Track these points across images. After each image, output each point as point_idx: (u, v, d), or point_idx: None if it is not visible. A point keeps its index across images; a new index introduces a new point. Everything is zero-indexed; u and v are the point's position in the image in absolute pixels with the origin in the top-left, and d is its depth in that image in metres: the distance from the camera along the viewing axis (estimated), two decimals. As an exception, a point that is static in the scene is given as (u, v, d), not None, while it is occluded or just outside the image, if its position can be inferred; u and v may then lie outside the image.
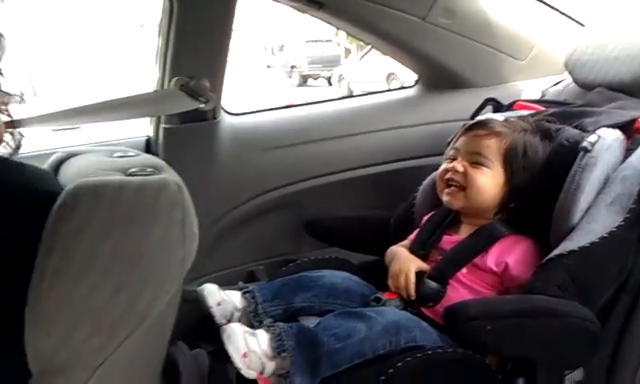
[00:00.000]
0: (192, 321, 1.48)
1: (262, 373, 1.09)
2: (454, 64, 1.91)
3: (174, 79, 1.49)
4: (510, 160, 1.31)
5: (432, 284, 1.28)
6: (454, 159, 1.37)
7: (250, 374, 1.08)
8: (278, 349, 1.09)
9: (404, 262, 1.33)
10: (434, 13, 1.77)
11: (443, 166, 1.39)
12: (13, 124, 0.86)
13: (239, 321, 1.27)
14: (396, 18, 1.75)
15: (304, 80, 14.56)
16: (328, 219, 1.70)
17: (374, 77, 11.15)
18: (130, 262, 0.76)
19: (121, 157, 0.98)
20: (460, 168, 1.33)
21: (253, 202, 1.80)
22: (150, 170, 0.87)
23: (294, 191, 1.84)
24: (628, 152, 1.28)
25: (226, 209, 1.75)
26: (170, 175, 0.86)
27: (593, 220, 1.20)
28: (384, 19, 1.75)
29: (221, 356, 1.26)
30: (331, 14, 1.78)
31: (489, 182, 1.31)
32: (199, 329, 1.39)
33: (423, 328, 1.17)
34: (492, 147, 1.32)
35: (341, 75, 12.86)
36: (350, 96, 2.14)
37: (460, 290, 1.26)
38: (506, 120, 1.40)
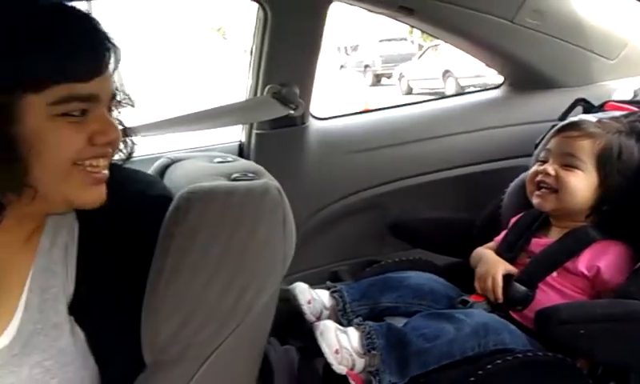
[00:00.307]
0: (282, 318, 1.54)
1: (352, 369, 1.12)
2: (542, 64, 1.88)
3: (267, 87, 1.56)
4: (603, 162, 1.29)
5: (520, 287, 1.27)
6: (545, 161, 1.36)
7: (340, 369, 1.11)
8: (368, 346, 1.12)
9: (492, 264, 1.33)
10: (522, 14, 1.75)
11: (534, 168, 1.38)
12: (125, 132, 0.92)
13: (328, 319, 1.30)
14: (484, 21, 1.75)
15: (377, 79, 14.50)
16: (413, 221, 1.73)
17: (431, 74, 11.47)
18: (238, 259, 0.82)
19: (221, 162, 1.05)
20: (552, 171, 1.31)
21: (338, 204, 1.84)
22: (251, 174, 0.93)
23: (379, 193, 1.87)
24: None
25: (312, 211, 1.80)
26: (270, 179, 0.92)
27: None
28: (472, 22, 1.76)
29: (309, 352, 1.31)
30: (421, 19, 1.81)
31: (581, 184, 1.29)
32: (288, 326, 1.44)
33: (512, 330, 1.17)
34: (585, 149, 1.30)
35: (401, 73, 12.86)
36: (435, 98, 2.14)
37: (550, 294, 1.25)
38: (599, 121, 1.36)
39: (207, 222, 0.82)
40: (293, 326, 1.40)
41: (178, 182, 0.95)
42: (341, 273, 1.80)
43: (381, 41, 15.17)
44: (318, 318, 1.31)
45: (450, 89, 10.87)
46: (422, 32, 1.95)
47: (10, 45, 0.71)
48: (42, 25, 0.73)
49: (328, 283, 1.43)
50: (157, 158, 1.15)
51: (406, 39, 15.21)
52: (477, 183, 1.90)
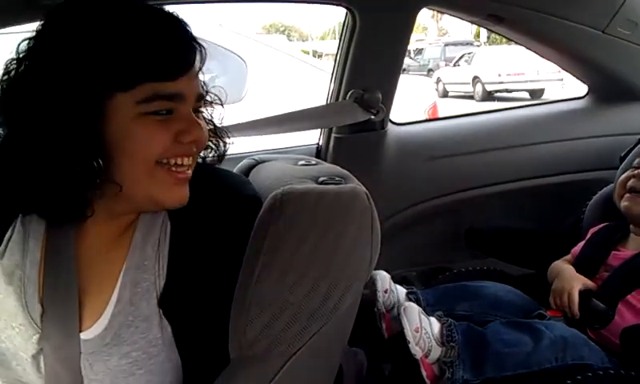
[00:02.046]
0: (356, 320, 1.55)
1: (427, 356, 1.14)
2: (631, 76, 1.83)
3: (350, 92, 1.58)
4: None
5: (599, 304, 1.24)
6: (639, 167, 1.34)
7: (416, 350, 1.13)
8: (447, 337, 1.14)
9: (568, 280, 1.31)
10: (614, 24, 1.71)
11: (627, 173, 1.36)
12: (216, 132, 0.96)
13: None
14: (575, 30, 1.73)
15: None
16: (489, 230, 1.73)
17: (463, 79, 12.82)
18: (326, 260, 0.85)
19: (305, 165, 1.08)
20: None
21: (411, 210, 1.84)
22: (338, 178, 0.96)
23: (453, 200, 1.86)
24: None
25: (386, 215, 1.80)
26: (357, 184, 0.94)
27: None
28: (562, 31, 1.73)
29: (377, 356, 1.32)
30: (510, 28, 1.80)
31: None
32: (358, 328, 1.47)
33: (592, 347, 1.16)
34: None
35: (438, 78, 13.66)
36: (516, 107, 2.10)
37: (629, 313, 1.21)
38: None
39: (299, 224, 0.84)
40: (363, 328, 1.43)
41: (263, 183, 0.98)
42: (410, 278, 1.80)
43: (446, 44, 15.94)
44: (388, 312, 1.33)
45: (479, 93, 12.26)
46: (507, 39, 1.90)
47: (101, 44, 0.74)
48: (130, 25, 0.76)
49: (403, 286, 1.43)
50: (239, 158, 1.19)
51: (472, 43, 15.51)
52: (556, 195, 1.86)
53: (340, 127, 1.72)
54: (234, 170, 1.13)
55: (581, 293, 1.27)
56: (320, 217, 0.86)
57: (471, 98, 12.42)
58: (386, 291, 1.33)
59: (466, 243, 1.72)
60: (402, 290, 1.37)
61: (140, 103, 0.76)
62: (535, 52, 1.89)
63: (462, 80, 12.94)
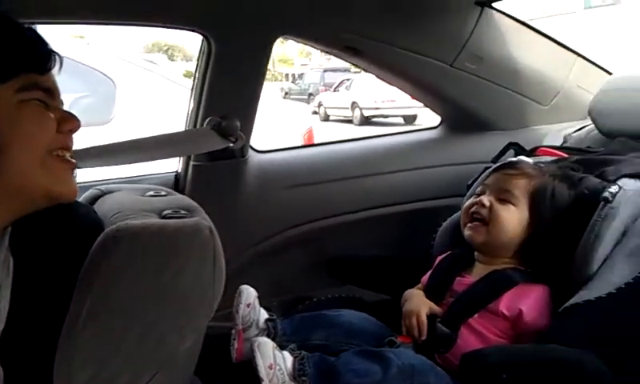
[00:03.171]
0: (206, 355, 1.51)
1: None
2: (478, 107, 1.95)
3: (207, 119, 1.55)
4: (537, 201, 1.33)
5: (444, 329, 1.29)
6: (481, 194, 1.40)
7: None
8: (299, 371, 1.13)
9: (415, 304, 1.35)
10: (461, 59, 1.82)
11: (470, 201, 1.41)
12: None
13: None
14: (426, 64, 1.81)
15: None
16: (348, 258, 1.75)
17: (342, 104, 13.81)
18: (161, 303, 0.80)
19: (153, 196, 1.03)
20: (486, 202, 1.35)
21: (274, 239, 1.83)
22: (184, 212, 0.92)
23: (315, 228, 1.87)
24: (649, 203, 1.29)
25: (248, 244, 1.79)
26: (202, 218, 0.90)
27: (610, 271, 1.20)
28: (414, 64, 1.81)
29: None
30: (366, 60, 1.86)
31: (513, 219, 1.33)
32: (213, 363, 1.42)
33: (438, 373, 1.19)
34: (520, 186, 1.34)
35: (320, 102, 14.67)
36: (374, 136, 2.17)
37: (471, 337, 1.27)
38: (536, 164, 1.42)
39: (133, 262, 0.80)
40: (217, 363, 1.37)
41: (107, 215, 0.93)
42: (271, 307, 1.78)
43: (325, 70, 16.93)
44: (244, 330, 1.32)
45: (357, 118, 13.13)
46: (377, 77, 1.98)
47: None
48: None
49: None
50: (87, 187, 1.12)
51: (349, 70, 16.03)
52: (413, 221, 1.93)
53: (198, 155, 1.68)
54: (80, 200, 1.06)
55: (429, 317, 1.31)
56: (157, 254, 0.81)
57: (350, 122, 13.16)
58: (248, 305, 1.32)
59: (327, 272, 1.73)
60: (263, 313, 1.36)
61: (20, 91, 0.78)
62: (391, 84, 1.96)
63: (341, 105, 13.83)
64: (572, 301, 1.20)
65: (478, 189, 1.44)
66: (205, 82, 1.61)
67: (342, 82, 14.65)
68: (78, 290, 0.78)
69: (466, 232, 1.39)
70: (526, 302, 1.26)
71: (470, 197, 1.48)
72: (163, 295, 0.81)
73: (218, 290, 0.88)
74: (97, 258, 0.78)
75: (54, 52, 0.84)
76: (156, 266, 0.80)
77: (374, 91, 11.85)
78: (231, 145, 1.55)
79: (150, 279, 0.79)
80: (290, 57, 27.09)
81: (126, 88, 3.01)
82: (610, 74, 1.92)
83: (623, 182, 1.27)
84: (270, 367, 1.12)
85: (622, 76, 1.62)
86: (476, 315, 1.28)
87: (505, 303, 1.26)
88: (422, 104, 2.08)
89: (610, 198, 1.23)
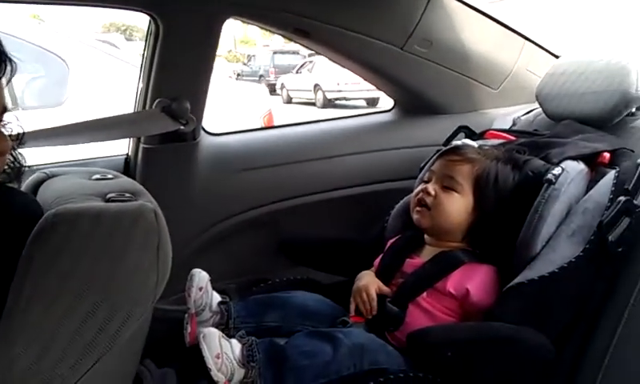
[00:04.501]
0: (160, 339, 1.51)
1: (230, 380, 1.13)
2: (429, 91, 1.97)
3: (157, 101, 1.52)
4: (480, 186, 1.36)
5: (392, 308, 1.31)
6: (428, 181, 1.42)
7: (219, 377, 1.12)
8: (248, 357, 1.14)
9: (364, 282, 1.38)
10: (411, 42, 1.82)
11: (419, 187, 1.43)
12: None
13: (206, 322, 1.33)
14: (376, 47, 1.81)
15: (272, 89, 15.13)
16: (303, 240, 1.75)
17: (305, 86, 13.76)
18: (102, 287, 0.79)
19: (99, 179, 1.01)
20: (432, 191, 1.37)
21: (229, 222, 1.82)
22: (128, 195, 0.90)
23: (270, 211, 1.87)
24: (591, 184, 1.33)
25: (202, 228, 1.78)
26: (147, 201, 0.89)
27: (553, 250, 1.24)
28: (365, 48, 1.81)
29: (189, 375, 1.29)
30: (316, 42, 1.85)
31: (456, 205, 1.36)
32: (167, 347, 1.41)
33: (389, 351, 1.21)
34: (464, 172, 1.37)
35: (282, 84, 14.69)
36: (329, 119, 2.17)
37: (419, 316, 1.29)
38: (480, 147, 1.45)
39: (72, 246, 0.78)
40: (172, 346, 1.38)
41: (49, 200, 0.91)
42: (228, 290, 1.77)
43: (275, 52, 16.99)
44: (196, 314, 1.33)
45: (319, 101, 13.13)
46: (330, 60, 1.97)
47: None
48: None
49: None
50: (34, 171, 1.10)
51: (298, 53, 16.38)
52: (367, 204, 1.95)
53: (149, 138, 1.65)
54: (23, 186, 1.03)
55: (379, 297, 1.33)
56: (97, 238, 0.80)
57: (314, 104, 13.12)
58: (200, 289, 1.32)
59: (282, 253, 1.73)
60: (216, 296, 1.37)
61: None
62: (345, 67, 1.96)
63: (304, 87, 13.78)
64: (516, 280, 1.23)
65: (426, 175, 1.47)
66: (153, 63, 1.58)
67: (304, 63, 14.61)
68: (17, 277, 0.76)
69: (414, 216, 1.41)
70: (473, 281, 1.29)
71: (421, 180, 1.51)
72: (104, 280, 0.79)
73: (162, 275, 0.87)
74: (35, 243, 0.77)
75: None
76: (95, 250, 0.79)
77: (336, 74, 11.82)
78: (182, 127, 1.53)
79: (90, 263, 0.78)
80: (252, 38, 26.85)
81: (80, 69, 2.93)
82: (557, 57, 1.96)
83: (566, 164, 1.31)
84: (218, 357, 1.12)
85: (567, 60, 1.65)
86: (424, 294, 1.31)
87: (452, 283, 1.29)
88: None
89: (554, 180, 1.27)
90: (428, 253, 1.39)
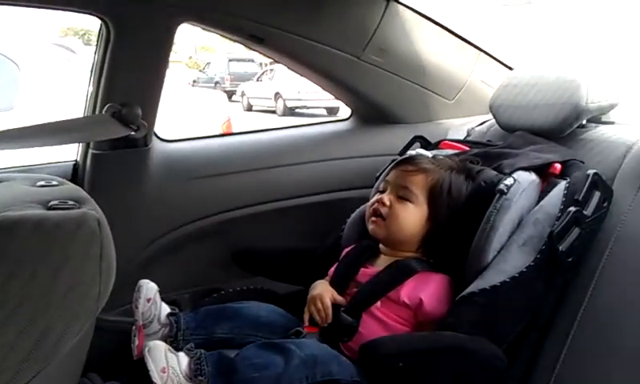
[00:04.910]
0: (107, 351, 1.46)
1: None
2: (385, 100, 1.97)
3: (107, 106, 1.48)
4: (434, 196, 1.37)
5: (346, 318, 1.30)
6: (384, 191, 1.42)
7: None
8: (196, 371, 1.11)
9: (319, 291, 1.37)
10: (368, 52, 1.83)
11: (374, 197, 1.43)
12: None
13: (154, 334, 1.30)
14: (332, 56, 1.80)
15: (229, 96, 15.09)
16: (256, 250, 1.73)
17: (265, 94, 13.83)
18: (41, 299, 0.76)
19: (43, 186, 0.98)
20: (387, 201, 1.37)
21: (181, 230, 1.78)
22: (72, 202, 0.87)
23: (224, 220, 1.83)
24: (542, 194, 1.34)
25: (153, 236, 1.73)
26: (91, 209, 0.86)
27: (504, 260, 1.25)
28: (320, 56, 1.80)
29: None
30: (271, 49, 1.83)
31: (411, 216, 1.36)
32: (114, 359, 1.38)
33: (341, 361, 1.19)
34: (418, 183, 1.38)
35: (243, 92, 14.76)
36: (285, 127, 2.15)
37: (373, 325, 1.29)
38: (434, 157, 1.45)
39: (10, 256, 0.75)
40: (119, 359, 1.35)
41: None
42: (181, 301, 1.74)
43: (230, 60, 17.12)
44: (144, 326, 1.29)
45: (280, 109, 13.17)
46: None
47: None
48: None
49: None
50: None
51: (253, 60, 16.80)
52: (322, 213, 1.93)
53: (99, 143, 1.60)
54: None
55: (333, 307, 1.33)
56: (35, 247, 0.77)
57: (274, 112, 13.15)
58: (149, 300, 1.29)
59: (235, 263, 1.71)
60: (165, 308, 1.33)
61: None
62: (302, 75, 1.95)
63: (264, 95, 13.84)
64: (469, 289, 1.24)
65: (381, 185, 1.46)
66: (104, 67, 1.53)
67: (265, 71, 14.64)
68: None
69: (369, 226, 1.41)
70: (426, 290, 1.29)
71: (376, 190, 1.51)
72: (43, 291, 0.76)
73: (105, 287, 0.84)
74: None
75: None
76: (34, 260, 0.76)
77: (297, 82, 11.83)
78: (133, 133, 1.50)
79: (27, 275, 0.75)
80: (212, 45, 26.74)
81: (32, 73, 2.86)
82: (510, 69, 1.99)
83: (518, 174, 1.32)
84: (163, 370, 1.10)
85: (520, 72, 1.68)
86: (378, 303, 1.30)
87: (405, 292, 1.29)
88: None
89: (505, 190, 1.28)
90: (383, 262, 1.39)
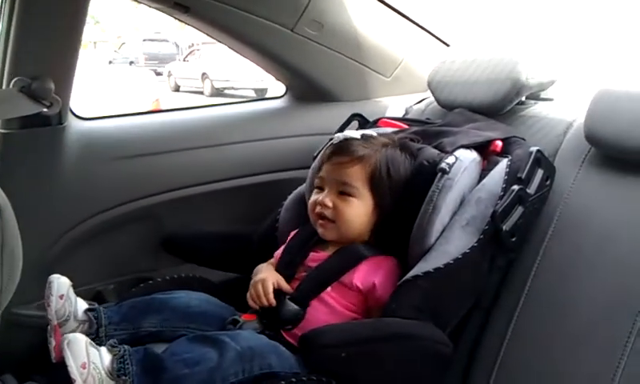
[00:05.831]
0: (23, 349, 1.35)
1: None
2: (321, 77, 1.89)
3: (14, 79, 1.35)
4: (375, 184, 1.31)
5: (292, 305, 1.24)
6: (321, 188, 1.35)
7: None
8: (119, 370, 1.03)
9: (262, 275, 1.29)
10: (302, 24, 1.74)
11: (313, 198, 1.36)
12: None
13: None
14: (264, 27, 1.71)
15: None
16: (188, 236, 1.64)
17: (193, 75, 13.53)
18: None
19: None
20: (329, 203, 1.30)
21: (103, 216, 1.66)
22: None
23: (151, 204, 1.72)
24: (484, 173, 1.32)
25: (71, 223, 1.60)
26: None
27: (447, 242, 1.22)
28: (251, 27, 1.71)
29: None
30: (197, 19, 1.72)
31: (357, 211, 1.30)
32: (32, 358, 1.29)
33: (280, 353, 1.13)
34: (357, 174, 1.31)
35: (169, 72, 14.36)
36: (217, 105, 2.06)
37: (321, 312, 1.23)
38: (363, 138, 1.37)
39: None
40: (37, 357, 1.25)
41: None
42: (106, 292, 1.63)
43: (144, 40, 17.35)
44: (60, 325, 1.19)
45: (207, 89, 12.94)
46: (215, 40, 1.83)
47: None
48: None
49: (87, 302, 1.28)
50: None
51: (167, 40, 17.41)
52: (256, 195, 1.85)
53: (7, 121, 1.47)
54: None
55: (277, 294, 1.25)
56: None
57: (202, 93, 12.94)
58: (61, 297, 1.19)
59: (165, 250, 1.60)
60: (81, 303, 1.23)
61: None
62: (233, 48, 1.85)
63: (192, 76, 13.54)
64: (412, 273, 1.20)
65: (316, 181, 1.39)
66: (9, 37, 1.39)
67: (191, 51, 14.51)
68: None
69: (318, 230, 1.34)
70: (379, 275, 1.25)
71: (313, 174, 1.44)
72: None
73: (8, 279, 0.75)
74: None
75: None
76: None
77: (225, 63, 11.69)
78: (45, 110, 1.37)
79: None
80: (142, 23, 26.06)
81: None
82: (448, 45, 1.96)
83: (459, 152, 1.29)
84: (83, 366, 1.00)
85: (457, 49, 1.66)
86: (329, 289, 1.25)
87: (359, 277, 1.25)
88: (272, 77, 1.99)
89: (447, 169, 1.25)
90: (333, 246, 1.33)
